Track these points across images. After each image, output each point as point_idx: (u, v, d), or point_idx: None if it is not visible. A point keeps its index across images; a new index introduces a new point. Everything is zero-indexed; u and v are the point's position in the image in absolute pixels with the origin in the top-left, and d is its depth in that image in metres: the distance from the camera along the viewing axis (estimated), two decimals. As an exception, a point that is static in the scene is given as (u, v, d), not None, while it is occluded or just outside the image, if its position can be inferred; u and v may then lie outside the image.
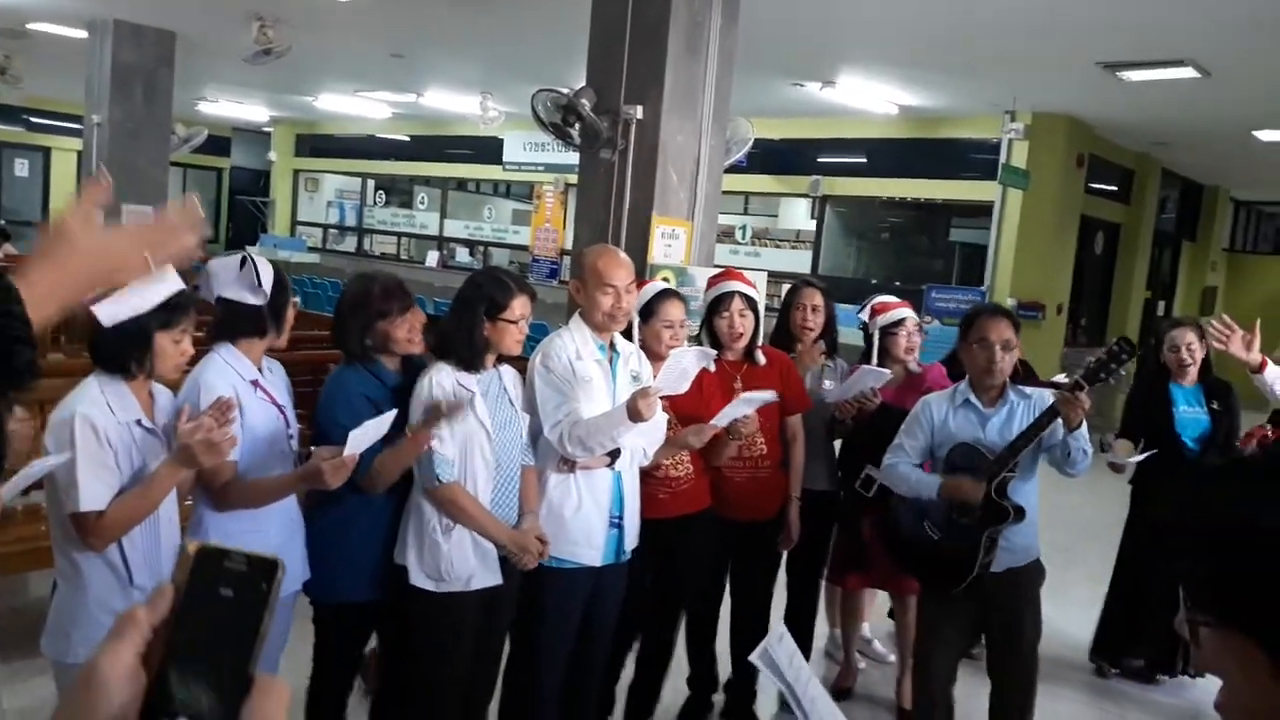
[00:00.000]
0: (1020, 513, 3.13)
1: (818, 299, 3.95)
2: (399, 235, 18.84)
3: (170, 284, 2.36)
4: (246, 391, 2.65)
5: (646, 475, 3.29)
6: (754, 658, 1.51)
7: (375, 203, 19.37)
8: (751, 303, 3.61)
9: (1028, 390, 3.28)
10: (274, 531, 2.68)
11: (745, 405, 3.23)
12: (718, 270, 4.08)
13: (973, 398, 3.26)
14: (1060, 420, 3.05)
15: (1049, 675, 4.40)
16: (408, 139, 17.96)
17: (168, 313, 2.38)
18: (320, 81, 13.68)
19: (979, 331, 3.22)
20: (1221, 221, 16.43)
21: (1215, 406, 4.29)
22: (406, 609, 2.85)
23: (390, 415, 2.58)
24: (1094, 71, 8.54)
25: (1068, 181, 11.40)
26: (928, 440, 3.30)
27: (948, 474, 3.22)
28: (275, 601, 0.67)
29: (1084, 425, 3.08)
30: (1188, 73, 8.13)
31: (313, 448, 2.65)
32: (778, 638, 1.54)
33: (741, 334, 3.57)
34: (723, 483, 3.58)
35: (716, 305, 3.61)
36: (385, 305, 2.84)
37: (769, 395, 3.27)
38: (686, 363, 3.06)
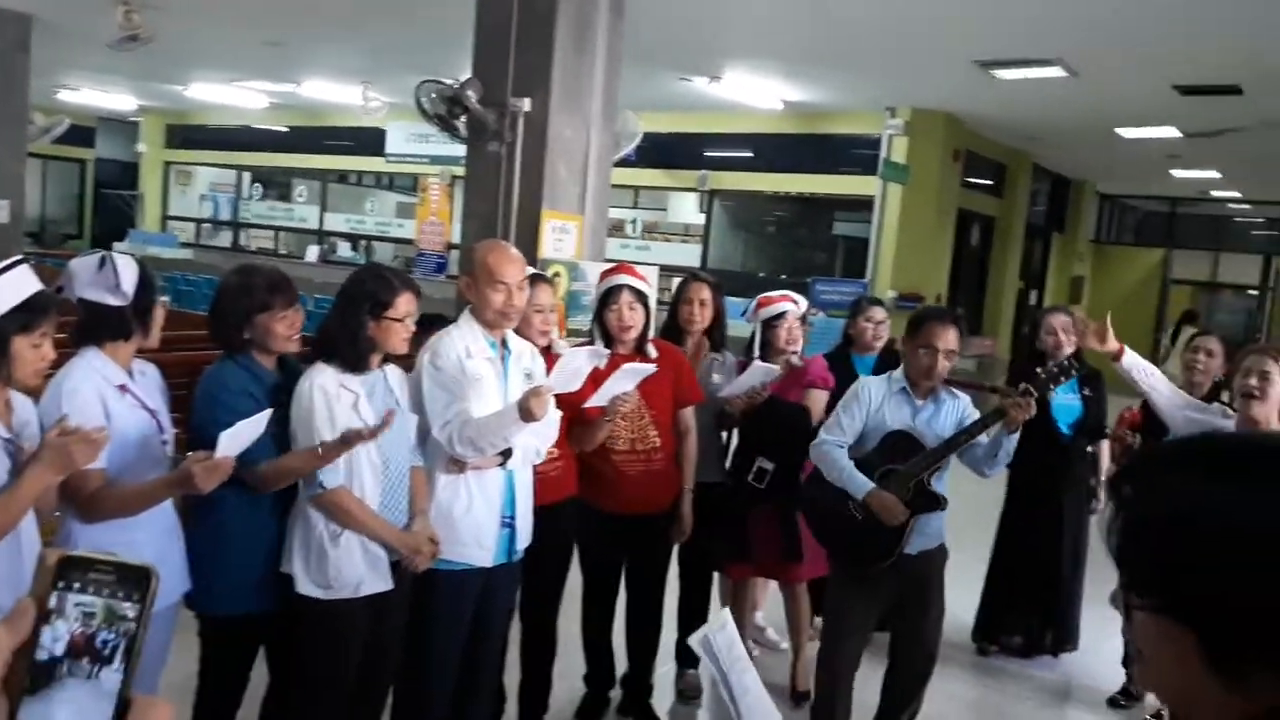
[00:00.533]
0: (944, 502, 3.34)
1: (705, 293, 3.98)
2: (276, 230, 18.28)
3: (27, 284, 2.21)
4: (114, 396, 2.51)
5: None
6: (693, 642, 1.50)
7: (251, 196, 18.74)
8: (641, 296, 3.61)
9: (956, 391, 3.48)
10: (148, 540, 2.55)
11: (626, 380, 3.22)
12: (610, 264, 4.07)
13: (908, 387, 3.40)
14: (998, 422, 3.27)
15: (934, 656, 4.57)
16: (286, 130, 17.41)
17: (26, 315, 2.22)
18: (192, 70, 13.14)
19: (926, 337, 3.35)
20: (1088, 214, 17.26)
21: (1087, 393, 4.48)
22: (293, 618, 2.75)
23: (266, 415, 2.48)
24: (970, 70, 8.83)
25: (945, 176, 11.78)
26: (863, 421, 3.41)
27: (881, 456, 3.34)
28: (150, 614, 0.63)
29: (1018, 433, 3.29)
30: (1057, 72, 8.49)
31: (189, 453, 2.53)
32: (720, 625, 1.54)
33: (631, 327, 3.57)
34: (616, 477, 3.57)
35: (606, 299, 3.60)
36: (268, 297, 2.73)
37: (648, 367, 3.27)
38: (579, 362, 3.04)
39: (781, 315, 4.03)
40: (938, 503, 3.33)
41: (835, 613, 3.52)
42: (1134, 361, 3.68)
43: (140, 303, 2.56)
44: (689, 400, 3.72)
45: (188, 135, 18.74)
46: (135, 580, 0.64)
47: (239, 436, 2.40)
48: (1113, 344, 3.67)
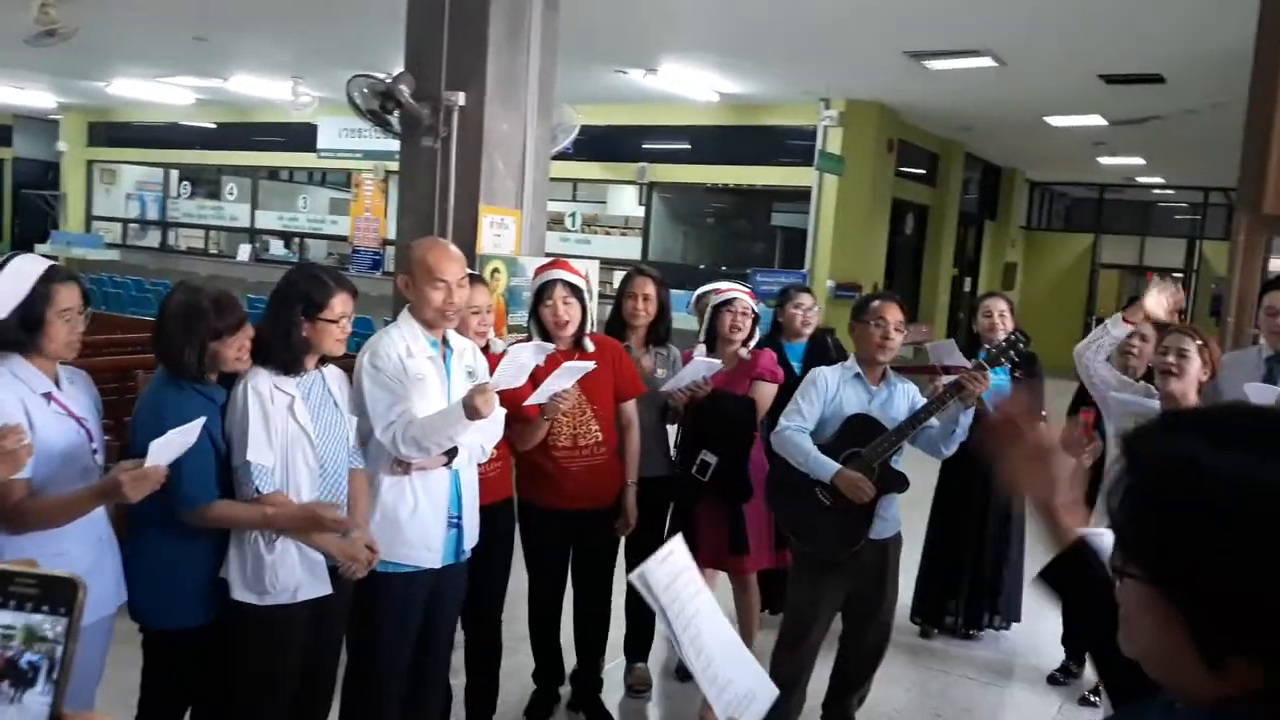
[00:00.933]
0: (907, 482, 3.43)
1: (650, 288, 3.96)
2: (207, 228, 17.89)
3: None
4: (38, 405, 2.42)
5: None
6: (632, 577, 1.42)
7: (180, 194, 18.32)
8: (576, 290, 3.58)
9: (905, 376, 3.55)
10: (79, 552, 2.46)
11: (565, 378, 3.20)
12: (546, 260, 4.04)
13: (862, 373, 3.47)
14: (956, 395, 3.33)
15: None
16: (213, 126, 17.04)
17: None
18: (114, 65, 12.79)
19: (874, 313, 3.45)
20: (1018, 201, 17.61)
21: (1018, 375, 4.57)
22: (230, 626, 2.69)
23: (198, 424, 2.41)
24: (901, 60, 8.94)
25: (879, 166, 11.92)
26: (822, 407, 3.45)
27: (842, 441, 3.38)
28: (78, 627, 0.60)
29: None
30: (986, 62, 8.63)
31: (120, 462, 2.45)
32: (660, 558, 1.44)
33: (567, 322, 3.54)
34: (559, 472, 3.55)
35: (540, 294, 3.58)
36: (220, 323, 2.62)
37: (588, 365, 3.25)
38: (524, 358, 3.01)
39: (728, 302, 4.03)
40: (902, 482, 3.42)
41: (801, 603, 3.53)
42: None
43: (30, 314, 2.43)
44: (630, 394, 3.70)
45: (111, 133, 18.24)
46: (60, 593, 0.60)
47: (169, 445, 2.33)
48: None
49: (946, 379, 3.50)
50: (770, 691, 1.45)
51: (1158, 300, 3.59)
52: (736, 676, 1.42)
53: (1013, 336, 3.49)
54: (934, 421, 3.39)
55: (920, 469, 4.66)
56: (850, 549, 3.40)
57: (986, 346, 3.49)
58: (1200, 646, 0.81)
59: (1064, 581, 1.33)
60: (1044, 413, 4.46)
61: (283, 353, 2.69)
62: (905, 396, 3.49)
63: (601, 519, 3.70)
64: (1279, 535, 0.76)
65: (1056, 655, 4.52)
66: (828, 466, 3.34)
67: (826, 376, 3.49)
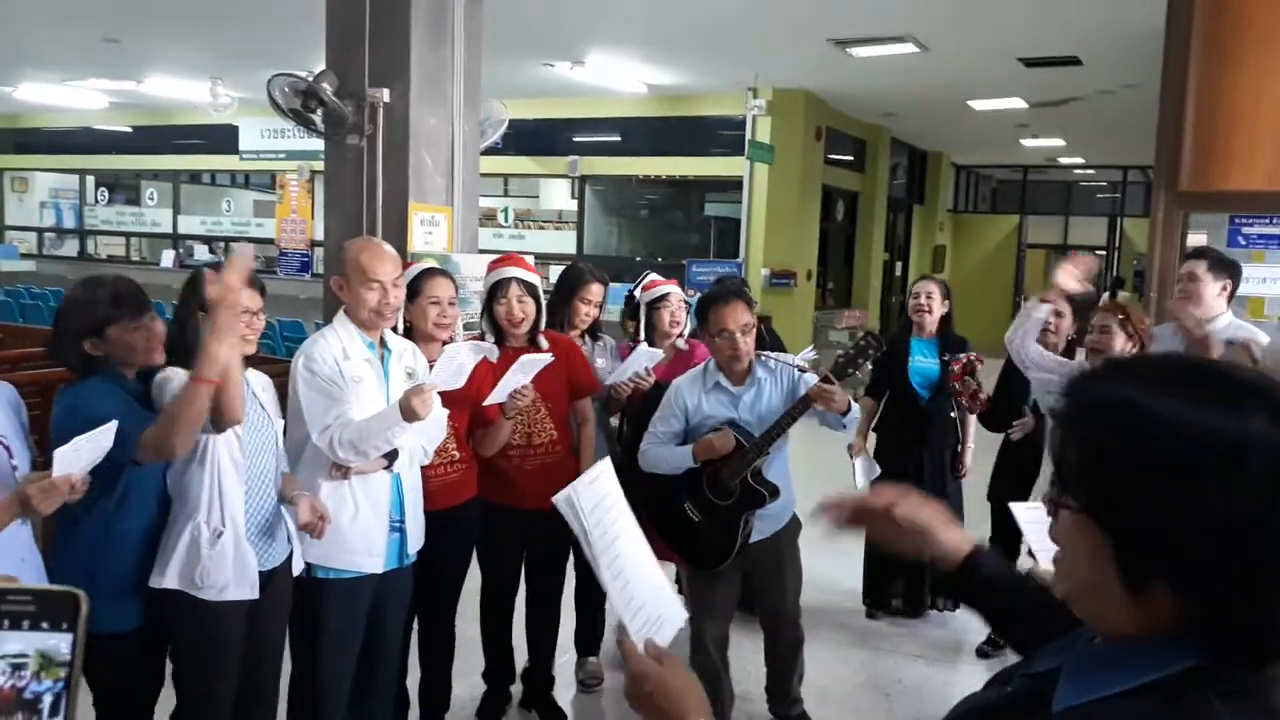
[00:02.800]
0: (776, 492, 3.28)
1: (601, 294, 3.97)
2: (127, 235, 17.39)
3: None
4: (-46, 423, 2.32)
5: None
6: (557, 499, 1.40)
7: (98, 201, 17.79)
8: (531, 288, 3.55)
9: (771, 362, 3.38)
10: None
11: (522, 373, 3.17)
12: (495, 255, 3.99)
13: (722, 380, 3.35)
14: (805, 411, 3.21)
15: (825, 622, 4.68)
16: (130, 130, 16.56)
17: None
18: (19, 70, 12.36)
19: (718, 323, 3.26)
20: (945, 185, 17.91)
21: (945, 358, 4.65)
22: (165, 620, 2.65)
23: (110, 428, 2.29)
24: (826, 48, 9.02)
25: (808, 154, 12.02)
26: (682, 424, 3.37)
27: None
28: (82, 645, 0.57)
29: (854, 410, 3.27)
30: (908, 48, 8.75)
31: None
32: (589, 480, 1.44)
33: (522, 319, 3.51)
34: (513, 471, 3.52)
35: (495, 292, 3.54)
36: (113, 310, 2.55)
37: (544, 358, 3.22)
38: (462, 358, 2.97)
39: (664, 298, 4.04)
40: (763, 499, 3.27)
41: (694, 603, 3.46)
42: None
43: None
44: (586, 391, 3.69)
45: (21, 139, 17.64)
46: (60, 607, 0.57)
47: (78, 453, 2.23)
48: None
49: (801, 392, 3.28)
50: (680, 614, 1.46)
51: (1068, 272, 3.64)
52: (649, 600, 1.42)
53: (862, 342, 3.29)
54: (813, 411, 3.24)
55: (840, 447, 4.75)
56: (725, 562, 3.34)
57: (837, 355, 3.30)
58: (1123, 571, 0.87)
59: (973, 592, 1.37)
60: (983, 396, 4.53)
61: (183, 350, 2.60)
62: (778, 386, 3.33)
63: (556, 519, 3.67)
64: (1193, 475, 0.82)
65: (998, 629, 4.60)
66: (686, 453, 3.28)
67: (684, 391, 3.37)
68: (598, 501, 1.44)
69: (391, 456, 2.92)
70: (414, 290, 3.26)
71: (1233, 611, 0.83)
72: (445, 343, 3.28)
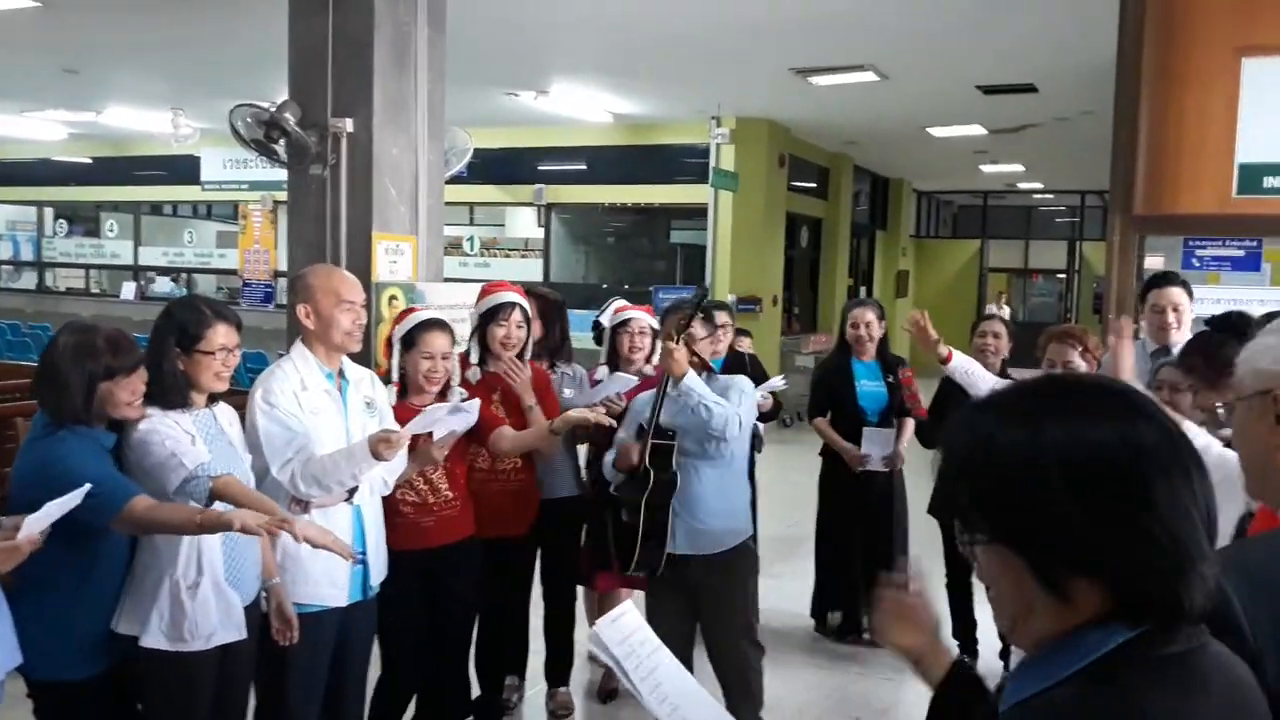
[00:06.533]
0: (674, 435, 3.23)
1: (518, 314, 3.94)
2: (87, 267, 17.17)
3: None
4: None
5: (414, 505, 3.25)
6: (586, 638, 1.58)
7: (56, 233, 17.57)
8: (526, 316, 3.59)
9: (722, 379, 3.41)
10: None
11: (459, 421, 3.07)
12: (461, 283, 4.00)
13: (671, 391, 3.35)
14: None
15: (779, 643, 4.61)
16: (90, 161, 16.39)
17: None
18: (-23, 101, 12.21)
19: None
20: (907, 211, 18.13)
21: (890, 380, 4.69)
22: (138, 674, 2.57)
23: (79, 493, 2.23)
24: (787, 77, 9.12)
25: (772, 181, 12.13)
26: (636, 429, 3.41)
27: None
28: None
29: (688, 378, 3.14)
30: (869, 77, 8.87)
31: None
32: (612, 618, 1.57)
33: (516, 345, 3.56)
34: (474, 495, 3.49)
35: (495, 314, 3.54)
36: (115, 362, 2.47)
37: (471, 418, 3.09)
38: (440, 415, 2.95)
39: (625, 323, 4.03)
40: (670, 486, 3.23)
41: (651, 624, 3.43)
42: (959, 364, 3.87)
43: None
44: (550, 417, 3.68)
45: (-23, 171, 17.41)
46: None
47: (49, 518, 2.20)
48: (942, 349, 3.84)
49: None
50: None
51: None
52: (703, 717, 1.53)
53: (697, 295, 3.44)
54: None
55: (814, 473, 4.76)
56: (654, 566, 3.29)
57: (677, 316, 3.38)
58: (1041, 579, 0.94)
59: (954, 709, 1.37)
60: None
61: (157, 387, 2.56)
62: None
63: (518, 544, 3.65)
64: (1050, 490, 0.92)
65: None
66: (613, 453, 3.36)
67: (640, 401, 3.43)
68: (625, 636, 1.57)
69: (352, 489, 2.89)
70: (409, 341, 3.26)
71: (1138, 578, 0.92)
72: (443, 390, 3.29)
